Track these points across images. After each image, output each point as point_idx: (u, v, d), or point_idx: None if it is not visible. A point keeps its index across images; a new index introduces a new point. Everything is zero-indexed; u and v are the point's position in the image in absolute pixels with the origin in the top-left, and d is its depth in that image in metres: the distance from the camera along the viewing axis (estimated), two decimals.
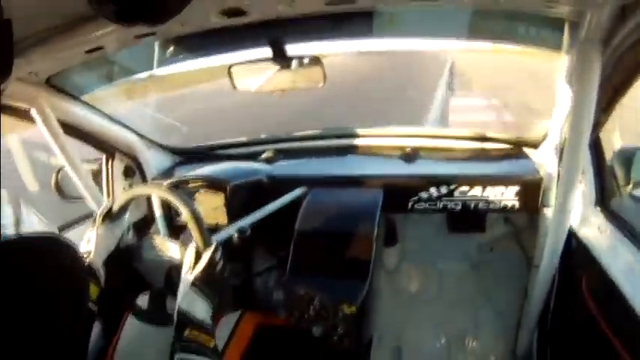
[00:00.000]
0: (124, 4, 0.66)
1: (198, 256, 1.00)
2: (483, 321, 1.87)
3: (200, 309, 0.94)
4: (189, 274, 0.98)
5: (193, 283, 0.96)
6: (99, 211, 1.15)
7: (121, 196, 1.16)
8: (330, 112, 9.15)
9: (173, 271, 1.17)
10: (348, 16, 1.09)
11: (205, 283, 0.97)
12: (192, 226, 1.03)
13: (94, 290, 1.02)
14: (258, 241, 1.47)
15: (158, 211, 1.59)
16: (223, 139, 2.11)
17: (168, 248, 1.20)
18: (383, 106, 9.29)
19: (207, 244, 1.02)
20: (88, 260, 1.06)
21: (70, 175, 1.52)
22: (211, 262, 1.00)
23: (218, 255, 1.02)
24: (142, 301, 1.25)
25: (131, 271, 1.19)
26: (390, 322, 1.91)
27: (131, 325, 1.22)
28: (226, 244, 1.22)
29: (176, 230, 1.57)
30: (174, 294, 1.09)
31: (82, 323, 0.68)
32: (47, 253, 0.62)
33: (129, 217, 1.43)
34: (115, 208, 1.15)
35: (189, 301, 0.94)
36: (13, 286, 0.56)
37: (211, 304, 0.97)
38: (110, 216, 1.15)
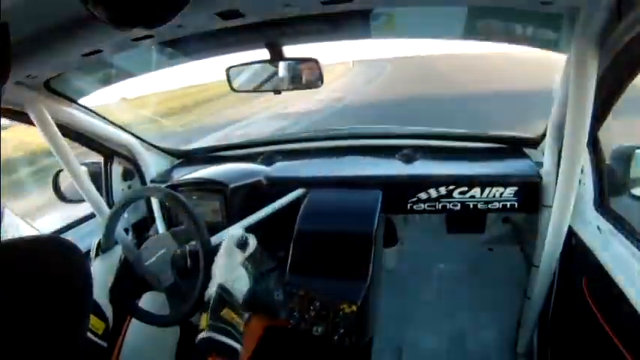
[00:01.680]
0: (121, 8, 0.66)
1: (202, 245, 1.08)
2: (483, 321, 1.87)
3: (243, 289, 1.01)
4: (239, 254, 1.06)
5: (244, 263, 1.04)
6: (92, 247, 1.15)
7: (105, 224, 1.18)
8: None
9: (178, 258, 1.18)
10: (345, 16, 1.09)
11: (252, 263, 1.07)
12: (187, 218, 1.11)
13: (99, 325, 1.01)
14: (258, 242, 1.47)
15: (157, 212, 1.59)
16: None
17: (163, 242, 1.21)
18: None
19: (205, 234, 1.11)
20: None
21: (69, 177, 1.52)
22: (258, 246, 1.10)
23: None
24: (143, 303, 1.25)
25: (136, 280, 1.20)
26: (390, 322, 1.91)
27: (135, 326, 1.22)
28: None
29: None
30: (190, 277, 1.14)
31: (84, 326, 0.68)
32: (51, 255, 0.62)
33: (129, 219, 1.42)
34: (104, 240, 1.16)
35: (236, 280, 1.00)
36: (16, 287, 0.56)
37: (251, 284, 1.04)
38: (102, 247, 1.15)
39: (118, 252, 1.17)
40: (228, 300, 0.94)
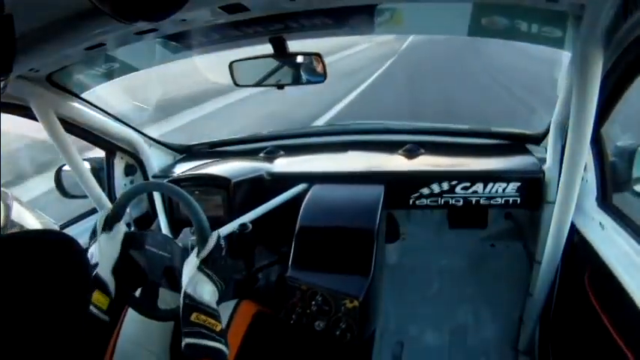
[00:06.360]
0: (125, 1, 0.65)
1: (203, 242, 1.03)
2: (485, 316, 1.88)
3: (207, 292, 0.97)
4: (195, 258, 1.01)
5: (200, 267, 0.99)
6: (98, 222, 1.14)
7: (117, 200, 1.16)
8: None
9: (171, 270, 1.17)
10: (349, 11, 1.09)
11: (211, 267, 1.00)
12: (192, 214, 1.06)
13: (103, 301, 1.00)
14: (260, 237, 1.47)
15: (160, 207, 1.59)
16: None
17: (172, 250, 1.20)
18: None
19: (208, 230, 1.06)
20: (96, 271, 1.04)
21: (72, 172, 1.52)
22: (217, 247, 1.03)
23: (221, 241, 1.06)
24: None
25: (129, 260, 1.18)
26: (392, 317, 1.92)
27: (131, 318, 1.22)
28: (229, 240, 1.22)
29: (177, 225, 1.57)
30: (171, 288, 1.13)
31: (83, 320, 0.69)
32: (51, 249, 0.62)
33: (131, 213, 1.40)
34: (112, 214, 1.14)
35: (196, 285, 0.97)
36: (14, 280, 0.56)
37: (217, 288, 1.00)
38: (109, 223, 1.14)
39: (123, 228, 1.15)
40: (194, 305, 0.93)
